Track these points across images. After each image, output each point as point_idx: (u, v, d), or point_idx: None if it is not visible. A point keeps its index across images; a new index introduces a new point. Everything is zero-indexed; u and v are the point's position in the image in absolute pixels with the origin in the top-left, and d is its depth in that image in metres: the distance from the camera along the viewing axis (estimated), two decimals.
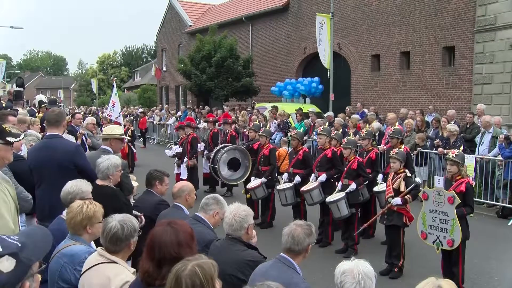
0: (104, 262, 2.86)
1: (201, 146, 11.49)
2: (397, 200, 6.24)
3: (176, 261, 2.40)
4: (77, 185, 3.67)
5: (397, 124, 11.80)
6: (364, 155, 8.00)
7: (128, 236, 2.91)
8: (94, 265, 2.87)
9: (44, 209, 4.70)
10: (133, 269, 2.99)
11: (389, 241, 6.65)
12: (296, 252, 3.17)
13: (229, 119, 12.80)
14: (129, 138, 14.48)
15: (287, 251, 3.19)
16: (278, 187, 8.29)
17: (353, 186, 7.31)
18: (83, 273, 2.91)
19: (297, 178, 8.01)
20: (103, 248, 2.95)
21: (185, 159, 10.75)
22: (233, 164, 10.30)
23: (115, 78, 35.51)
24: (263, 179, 8.58)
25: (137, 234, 3.00)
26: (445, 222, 5.62)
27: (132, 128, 15.80)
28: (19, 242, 1.65)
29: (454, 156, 5.71)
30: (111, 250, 2.91)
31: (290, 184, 8.07)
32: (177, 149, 11.19)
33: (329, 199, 7.36)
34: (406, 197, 6.27)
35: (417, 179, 7.53)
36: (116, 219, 2.95)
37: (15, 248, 1.62)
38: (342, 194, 7.28)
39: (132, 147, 14.77)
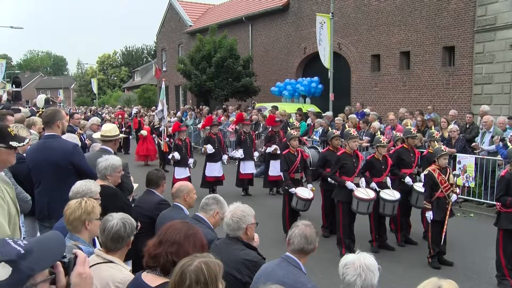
0: (101, 262, 2.87)
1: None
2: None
3: (175, 247, 2.48)
4: (86, 185, 3.66)
5: (397, 124, 11.84)
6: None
7: (130, 234, 2.98)
8: (91, 266, 2.87)
9: (43, 209, 4.69)
10: (129, 267, 3.00)
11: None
12: (307, 251, 3.19)
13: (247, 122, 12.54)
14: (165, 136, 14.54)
15: (297, 252, 3.18)
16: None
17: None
18: None
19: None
20: (100, 249, 2.96)
21: (225, 156, 11.22)
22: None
23: (115, 78, 35.51)
24: (311, 188, 7.79)
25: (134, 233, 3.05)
26: None
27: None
28: (24, 249, 1.48)
29: None
30: (111, 248, 2.92)
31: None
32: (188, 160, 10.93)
33: (388, 196, 7.16)
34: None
35: (407, 179, 7.54)
36: (117, 217, 2.98)
37: (15, 255, 1.45)
38: (398, 195, 7.19)
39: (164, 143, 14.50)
